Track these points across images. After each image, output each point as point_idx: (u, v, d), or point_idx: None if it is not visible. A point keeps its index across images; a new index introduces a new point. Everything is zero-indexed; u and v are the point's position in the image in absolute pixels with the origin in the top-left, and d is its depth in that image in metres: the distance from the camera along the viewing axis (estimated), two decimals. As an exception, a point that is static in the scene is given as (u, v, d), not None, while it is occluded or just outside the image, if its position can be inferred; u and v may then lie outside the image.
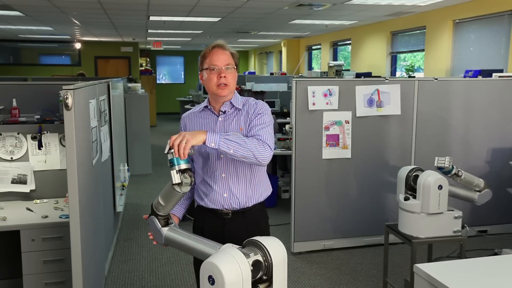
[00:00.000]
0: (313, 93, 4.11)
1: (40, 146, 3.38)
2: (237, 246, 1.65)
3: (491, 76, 4.79)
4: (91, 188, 2.96)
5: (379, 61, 9.39)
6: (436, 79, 4.42)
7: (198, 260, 2.23)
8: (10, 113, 3.41)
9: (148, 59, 18.09)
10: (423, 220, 3.05)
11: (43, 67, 14.67)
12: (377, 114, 4.29)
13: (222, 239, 1.85)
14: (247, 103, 2.19)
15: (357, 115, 4.24)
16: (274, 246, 1.63)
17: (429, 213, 3.04)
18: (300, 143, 4.16)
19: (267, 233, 2.24)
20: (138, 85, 8.30)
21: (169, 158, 1.86)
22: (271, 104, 7.79)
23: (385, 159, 4.38)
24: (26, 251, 2.86)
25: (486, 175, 4.51)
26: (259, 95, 7.85)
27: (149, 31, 11.03)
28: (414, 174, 3.16)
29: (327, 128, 4.19)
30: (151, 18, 8.70)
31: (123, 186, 4.99)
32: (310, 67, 13.69)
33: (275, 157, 6.06)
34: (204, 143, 1.88)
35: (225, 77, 2.09)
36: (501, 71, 5.35)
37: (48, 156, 3.46)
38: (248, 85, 8.42)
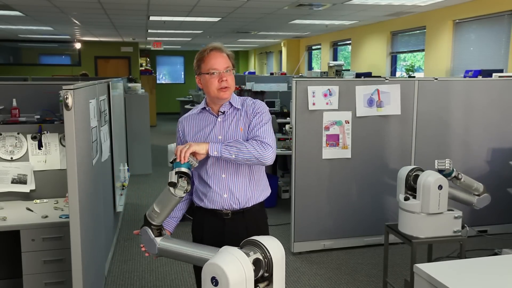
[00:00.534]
0: (313, 93, 4.11)
1: (40, 146, 3.38)
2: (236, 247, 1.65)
3: (491, 76, 4.79)
4: (91, 188, 2.96)
5: (379, 61, 9.39)
6: (436, 79, 4.42)
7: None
8: (10, 113, 3.40)
9: (148, 59, 18.10)
10: (423, 220, 3.05)
11: (43, 67, 14.67)
12: (377, 114, 4.29)
13: (222, 239, 1.85)
14: (245, 103, 2.20)
15: (357, 115, 4.24)
16: (273, 245, 1.65)
17: (429, 213, 3.03)
18: (300, 143, 4.16)
19: (266, 233, 2.24)
20: (138, 85, 8.30)
21: (172, 164, 1.93)
22: (271, 104, 7.80)
23: (385, 159, 4.38)
24: (26, 251, 2.86)
25: (486, 175, 4.52)
26: (259, 95, 7.85)
27: (149, 31, 11.03)
28: (414, 174, 3.16)
29: (327, 128, 4.19)
30: (151, 18, 8.70)
31: (123, 186, 4.99)
32: (310, 67, 13.69)
33: (275, 157, 6.03)
34: (207, 153, 1.98)
35: (226, 80, 2.09)
36: (501, 71, 5.35)
37: (48, 156, 3.46)
38: (248, 85, 8.43)
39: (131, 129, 7.28)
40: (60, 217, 2.97)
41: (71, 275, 2.50)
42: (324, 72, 8.90)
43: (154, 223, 1.96)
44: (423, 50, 8.04)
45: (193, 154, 1.95)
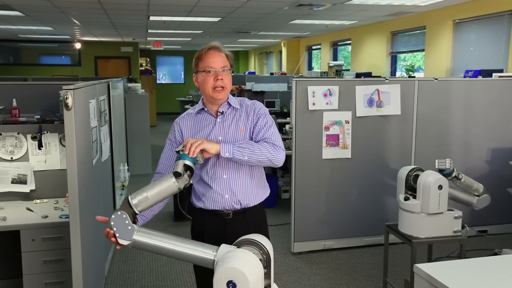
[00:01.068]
0: (313, 93, 4.11)
1: (40, 146, 3.38)
2: (233, 246, 1.67)
3: (491, 76, 4.79)
4: (91, 188, 2.96)
5: (379, 61, 9.39)
6: (436, 79, 4.42)
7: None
8: (10, 113, 3.40)
9: (148, 59, 18.09)
10: (423, 220, 3.05)
11: (43, 67, 14.67)
12: (377, 114, 4.29)
13: (223, 240, 1.85)
14: (243, 103, 2.20)
15: (357, 115, 4.24)
16: (265, 242, 1.70)
17: (429, 213, 3.03)
18: (300, 143, 4.16)
19: (266, 232, 2.25)
20: (138, 85, 8.30)
21: (179, 154, 1.88)
22: (271, 104, 7.80)
23: (385, 159, 4.38)
24: (26, 251, 2.86)
25: (486, 175, 4.52)
26: (259, 95, 7.86)
27: (149, 31, 11.03)
28: (414, 174, 3.16)
29: (327, 128, 4.19)
30: (151, 18, 8.70)
31: (123, 186, 5.00)
32: (310, 67, 13.69)
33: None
34: (218, 154, 1.94)
35: (221, 79, 2.08)
36: (501, 71, 5.35)
37: (48, 156, 3.46)
38: (248, 85, 8.42)
39: (131, 129, 7.28)
40: (60, 217, 2.97)
41: (71, 275, 2.50)
42: (324, 72, 8.91)
43: (137, 209, 1.81)
44: (423, 50, 8.04)
45: (202, 151, 1.92)
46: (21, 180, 3.40)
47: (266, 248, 1.66)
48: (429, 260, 3.55)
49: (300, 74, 11.51)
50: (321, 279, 3.82)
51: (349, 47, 11.03)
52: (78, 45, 14.54)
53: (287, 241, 4.41)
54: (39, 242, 2.87)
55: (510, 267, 1.99)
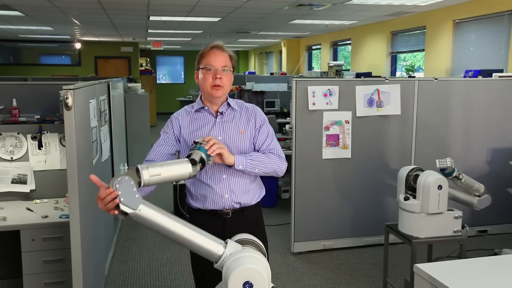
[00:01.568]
0: (313, 93, 4.11)
1: (40, 146, 3.38)
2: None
3: (491, 76, 4.79)
4: (91, 188, 2.95)
5: (379, 61, 9.39)
6: (436, 79, 4.42)
7: (196, 260, 2.25)
8: (10, 113, 3.40)
9: (148, 59, 18.09)
10: (423, 220, 3.05)
11: (43, 67, 14.68)
12: (377, 114, 4.29)
13: (222, 239, 1.85)
14: (242, 106, 2.24)
15: (357, 115, 4.24)
16: (261, 242, 1.73)
17: (429, 213, 3.03)
18: (300, 143, 4.16)
19: (264, 231, 2.28)
20: (138, 85, 8.29)
21: (197, 145, 1.89)
22: (271, 104, 7.79)
23: (385, 159, 4.38)
24: (26, 251, 2.86)
25: (486, 175, 4.52)
26: (259, 95, 7.85)
27: (149, 31, 11.03)
28: (414, 174, 3.16)
29: (327, 128, 4.19)
30: (151, 18, 8.70)
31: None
32: (310, 67, 13.69)
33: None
34: (231, 165, 2.02)
35: (220, 78, 2.10)
36: (501, 71, 5.35)
37: (48, 156, 3.46)
38: (248, 85, 8.42)
39: (131, 129, 7.27)
40: (60, 217, 2.97)
41: (71, 275, 2.51)
42: (324, 72, 8.91)
43: (144, 180, 1.68)
44: (423, 50, 8.04)
45: (217, 155, 1.95)
46: (21, 180, 3.40)
47: (263, 248, 1.68)
48: (429, 260, 3.55)
49: (300, 74, 11.51)
50: (321, 279, 3.82)
51: (349, 47, 11.03)
52: (78, 45, 14.55)
53: (287, 241, 4.41)
54: (39, 242, 2.87)
55: (510, 267, 2.00)
